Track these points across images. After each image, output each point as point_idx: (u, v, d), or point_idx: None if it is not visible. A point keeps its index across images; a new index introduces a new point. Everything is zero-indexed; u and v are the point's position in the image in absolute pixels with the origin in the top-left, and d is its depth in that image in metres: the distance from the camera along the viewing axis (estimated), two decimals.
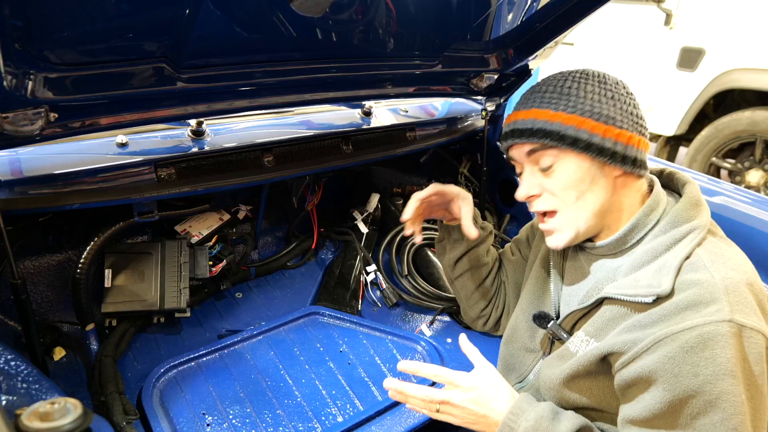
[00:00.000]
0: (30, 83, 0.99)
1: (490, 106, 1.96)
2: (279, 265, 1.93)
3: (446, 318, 1.73)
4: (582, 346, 1.02)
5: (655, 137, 4.35)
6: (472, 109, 2.07)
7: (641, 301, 0.92)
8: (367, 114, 1.86)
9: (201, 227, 1.69)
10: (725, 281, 0.88)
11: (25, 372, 0.86)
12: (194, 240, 1.65)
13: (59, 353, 1.43)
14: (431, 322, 1.71)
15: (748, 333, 0.84)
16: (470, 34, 1.53)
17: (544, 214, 1.10)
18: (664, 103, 4.14)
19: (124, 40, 1.03)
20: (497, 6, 1.43)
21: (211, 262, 1.66)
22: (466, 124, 2.04)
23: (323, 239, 2.04)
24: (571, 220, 1.05)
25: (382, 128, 1.82)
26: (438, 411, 1.02)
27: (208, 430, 1.25)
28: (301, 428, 1.27)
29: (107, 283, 1.48)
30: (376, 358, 1.51)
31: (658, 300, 0.90)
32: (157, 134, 1.52)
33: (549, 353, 1.16)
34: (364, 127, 1.78)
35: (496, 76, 1.78)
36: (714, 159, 4.00)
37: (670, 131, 4.17)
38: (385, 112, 1.93)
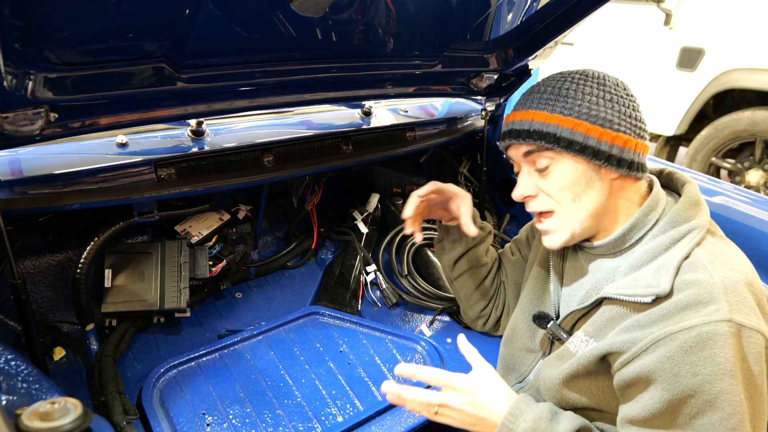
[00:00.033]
0: (30, 83, 0.99)
1: (490, 106, 1.96)
2: (279, 265, 1.93)
3: (446, 318, 1.73)
4: (581, 346, 1.02)
5: (654, 137, 4.35)
6: (471, 109, 2.07)
7: (640, 301, 0.92)
8: (367, 114, 1.86)
9: (201, 227, 1.69)
10: (724, 281, 0.88)
11: (25, 372, 0.86)
12: (194, 240, 1.65)
13: (59, 353, 1.43)
14: (431, 322, 1.71)
15: (747, 333, 0.84)
16: (470, 34, 1.53)
17: (541, 214, 1.10)
18: (664, 103, 4.13)
19: (124, 40, 1.03)
20: (497, 6, 1.43)
21: (211, 262, 1.66)
22: (465, 124, 2.04)
23: (323, 239, 2.04)
24: (567, 221, 1.05)
25: (382, 128, 1.82)
26: (437, 413, 1.01)
27: (208, 430, 1.25)
28: (301, 428, 1.27)
29: (107, 283, 1.48)
30: (376, 358, 1.51)
31: (657, 300, 0.90)
32: (157, 134, 1.52)
33: (549, 353, 1.16)
34: (364, 127, 1.78)
35: (495, 76, 1.78)
36: (714, 159, 4.00)
37: (669, 131, 4.16)
38: (385, 112, 1.93)
